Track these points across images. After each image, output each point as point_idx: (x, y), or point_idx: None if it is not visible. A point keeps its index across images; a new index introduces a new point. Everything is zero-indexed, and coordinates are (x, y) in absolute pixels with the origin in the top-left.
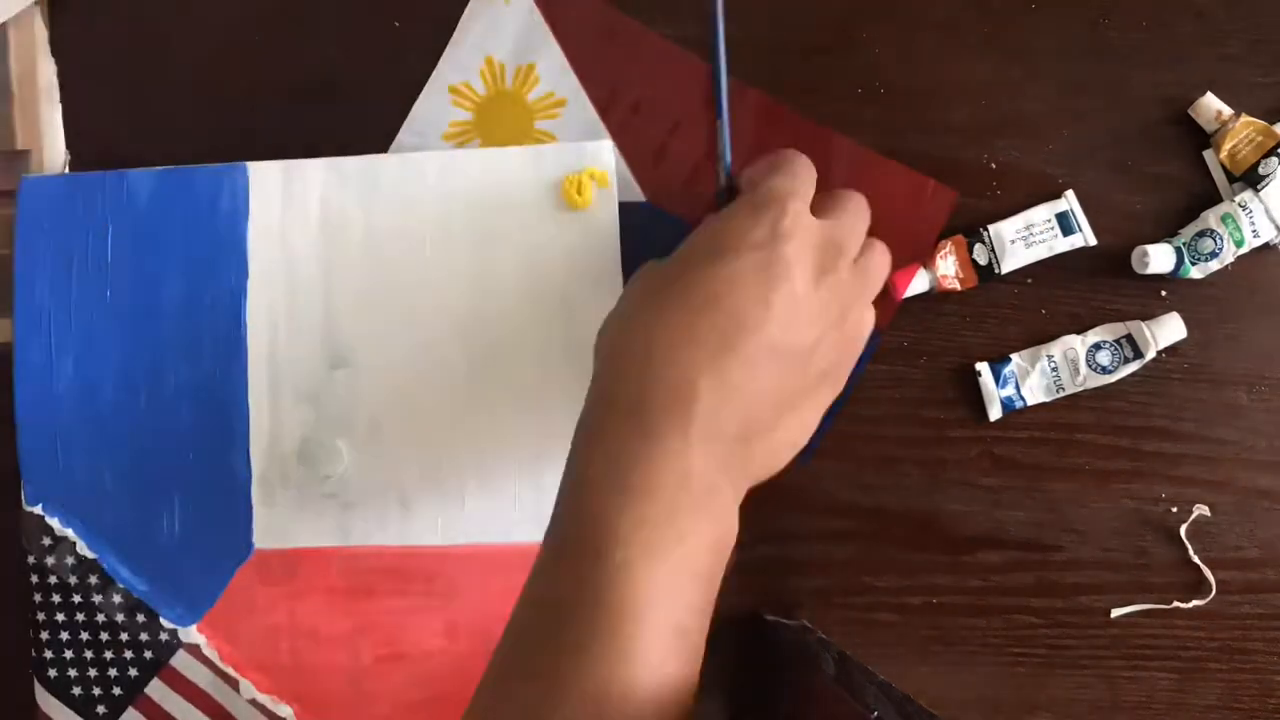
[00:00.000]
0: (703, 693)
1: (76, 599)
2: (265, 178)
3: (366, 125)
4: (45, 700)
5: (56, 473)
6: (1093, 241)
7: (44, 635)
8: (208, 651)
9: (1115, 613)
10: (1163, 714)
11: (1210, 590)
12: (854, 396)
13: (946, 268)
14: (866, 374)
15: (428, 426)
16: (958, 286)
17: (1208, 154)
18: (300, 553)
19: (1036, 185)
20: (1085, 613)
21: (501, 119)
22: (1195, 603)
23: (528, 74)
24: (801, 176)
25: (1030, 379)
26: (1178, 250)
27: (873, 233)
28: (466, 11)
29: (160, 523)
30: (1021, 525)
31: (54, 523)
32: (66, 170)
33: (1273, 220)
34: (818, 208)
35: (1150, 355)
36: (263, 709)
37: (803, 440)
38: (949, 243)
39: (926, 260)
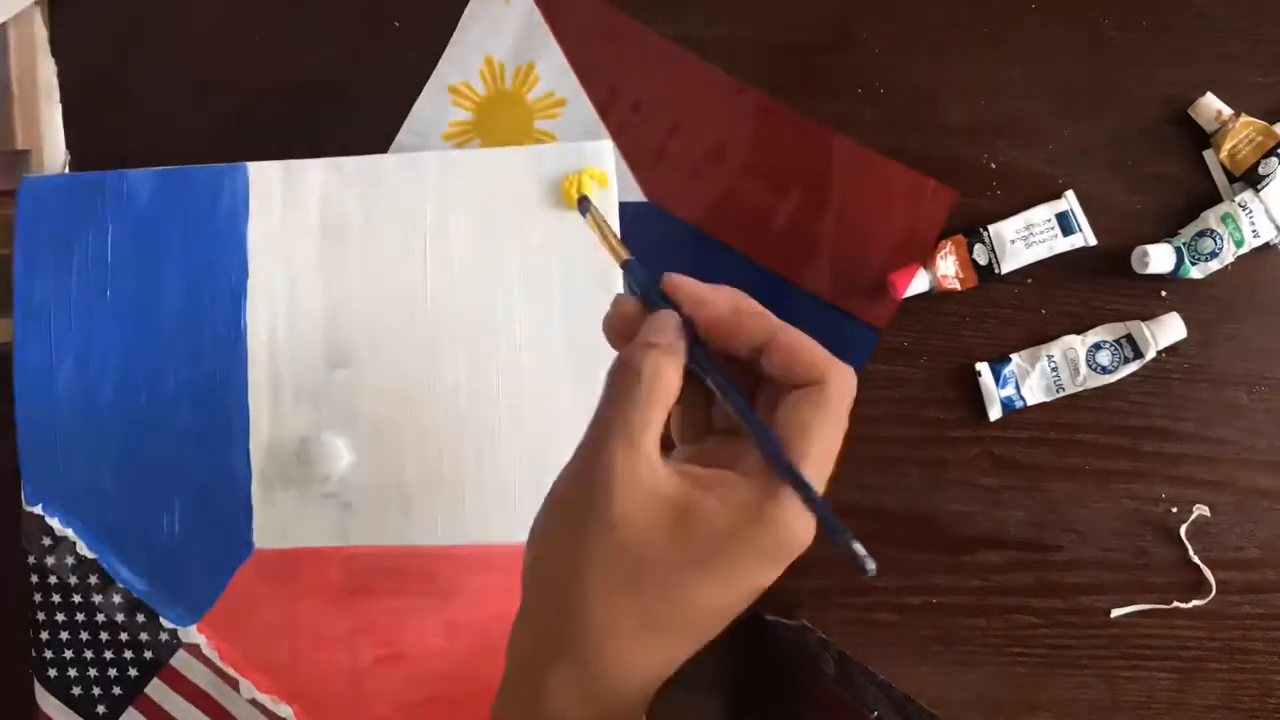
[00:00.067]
0: (703, 693)
1: (76, 599)
2: (265, 178)
3: (366, 125)
4: (45, 700)
5: (57, 473)
6: (1093, 241)
7: (44, 635)
8: (208, 651)
9: (1115, 613)
10: (1163, 714)
11: (1210, 590)
12: (854, 396)
13: (946, 268)
14: (866, 374)
15: (428, 426)
16: (958, 286)
17: (1208, 154)
18: (300, 553)
19: (1036, 185)
20: (1085, 613)
21: (501, 119)
22: (1195, 603)
23: (528, 74)
24: None
25: (1030, 379)
26: (1178, 250)
27: (873, 232)
28: (466, 11)
29: (160, 523)
30: (1021, 525)
31: (54, 523)
32: (66, 170)
33: (1273, 220)
34: None
35: (1150, 355)
36: (263, 709)
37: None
38: (949, 243)
39: (926, 260)
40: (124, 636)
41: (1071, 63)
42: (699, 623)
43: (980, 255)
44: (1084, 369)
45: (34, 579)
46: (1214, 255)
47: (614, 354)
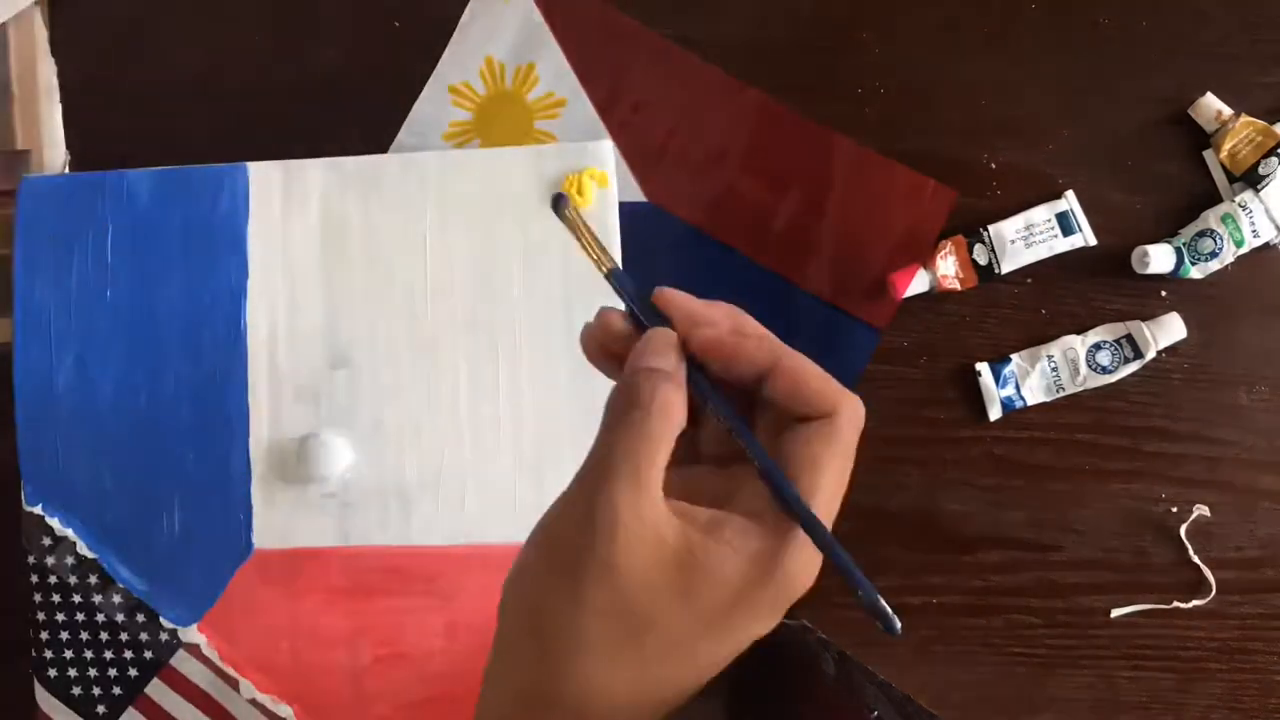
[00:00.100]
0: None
1: (76, 599)
2: (265, 178)
3: (366, 125)
4: (45, 700)
5: (57, 472)
6: (1093, 241)
7: (44, 635)
8: (207, 651)
9: (1115, 613)
10: (1163, 714)
11: (1210, 590)
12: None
13: (946, 268)
14: (866, 374)
15: (428, 426)
16: (958, 286)
17: (1208, 154)
18: (300, 552)
19: (1036, 185)
20: (1085, 613)
21: (501, 119)
22: (1195, 603)
23: (528, 74)
24: None
25: (1030, 379)
26: (1178, 250)
27: (873, 232)
28: (466, 11)
29: (160, 522)
30: (1021, 525)
31: (54, 523)
32: (66, 170)
33: (1273, 220)
34: None
35: (1150, 355)
36: (262, 709)
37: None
38: (949, 243)
39: (926, 260)
40: (124, 636)
41: (1071, 63)
42: (693, 679)
43: (980, 255)
44: (1084, 369)
45: (34, 579)
46: (1214, 255)
47: None
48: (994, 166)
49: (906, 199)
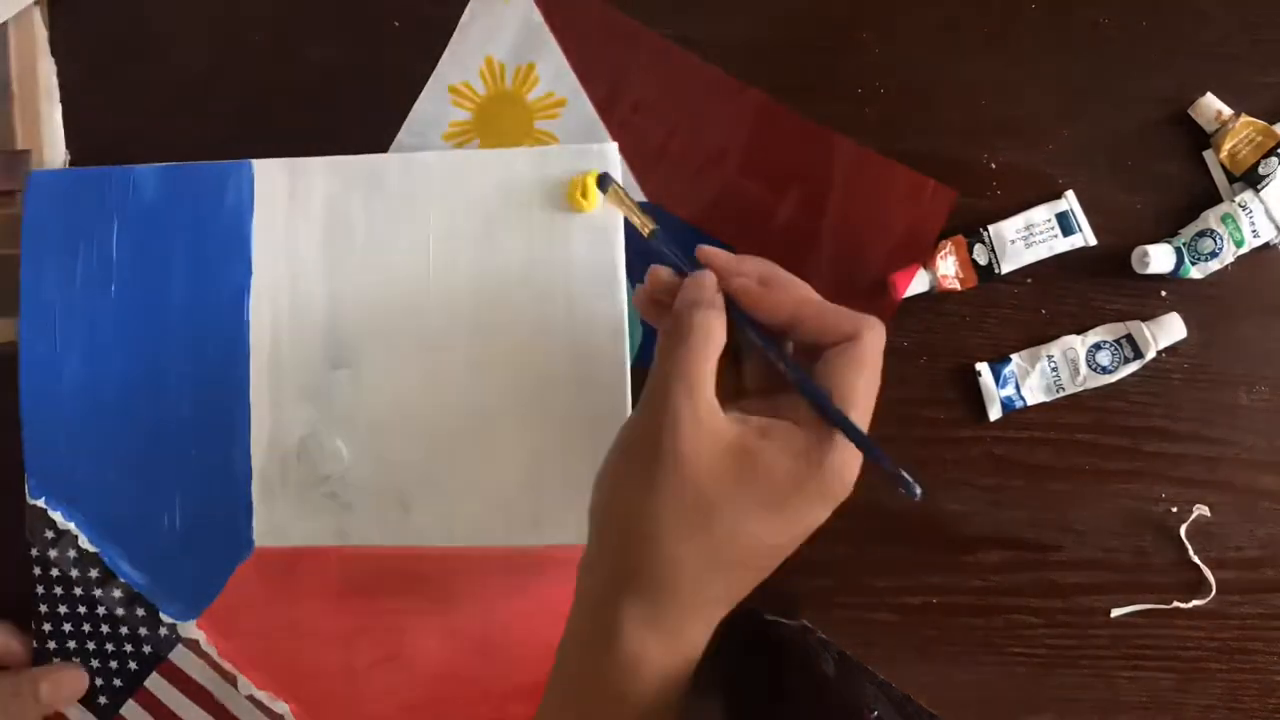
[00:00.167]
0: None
1: (78, 592)
2: (270, 174)
3: (366, 125)
4: None
5: (60, 467)
6: (1093, 241)
7: (46, 627)
8: (206, 647)
9: (1115, 613)
10: (1163, 714)
11: (1210, 590)
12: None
13: (946, 268)
14: None
15: (428, 427)
16: (958, 286)
17: (1208, 154)
18: (300, 551)
19: (1036, 185)
20: (1085, 613)
21: (501, 119)
22: (1195, 603)
23: (528, 74)
24: None
25: (1030, 379)
26: (1178, 250)
27: (873, 232)
28: (466, 11)
29: (161, 518)
30: (1021, 525)
31: (57, 516)
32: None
33: (1273, 220)
34: None
35: (1150, 355)
36: (260, 705)
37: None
38: (949, 243)
39: (926, 260)
40: (124, 630)
41: (1071, 63)
42: (760, 560)
43: (980, 255)
44: (1084, 369)
45: (36, 571)
46: (1214, 255)
47: (615, 358)
48: (994, 166)
49: (906, 199)
